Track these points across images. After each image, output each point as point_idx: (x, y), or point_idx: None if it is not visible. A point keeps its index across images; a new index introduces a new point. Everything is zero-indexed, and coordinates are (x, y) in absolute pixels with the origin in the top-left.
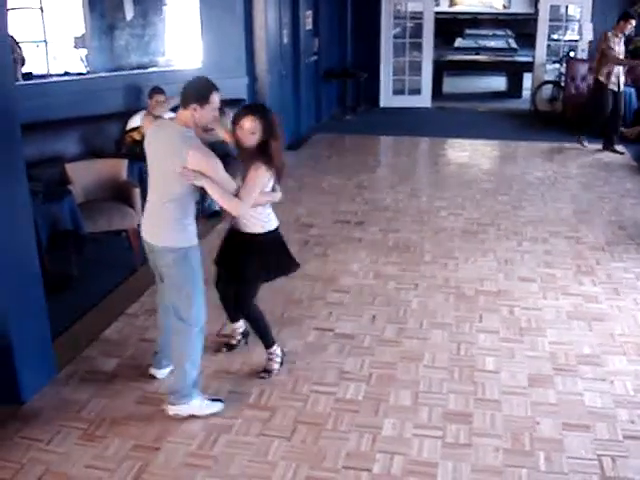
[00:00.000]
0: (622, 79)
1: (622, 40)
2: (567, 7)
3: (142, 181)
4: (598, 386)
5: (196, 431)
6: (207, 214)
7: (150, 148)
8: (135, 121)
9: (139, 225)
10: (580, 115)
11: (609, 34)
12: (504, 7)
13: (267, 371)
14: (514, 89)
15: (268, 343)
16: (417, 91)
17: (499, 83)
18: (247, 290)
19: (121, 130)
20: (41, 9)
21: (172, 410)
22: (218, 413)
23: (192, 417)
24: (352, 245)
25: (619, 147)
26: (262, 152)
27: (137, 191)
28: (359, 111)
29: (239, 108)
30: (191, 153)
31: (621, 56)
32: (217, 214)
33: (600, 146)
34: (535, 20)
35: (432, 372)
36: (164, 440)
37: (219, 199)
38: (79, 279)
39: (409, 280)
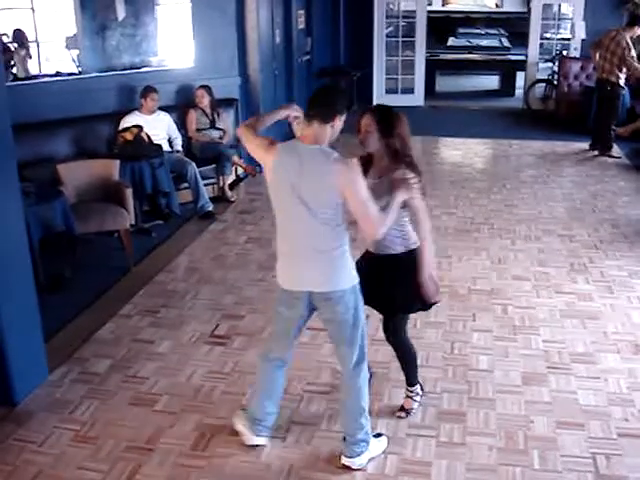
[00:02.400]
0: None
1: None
2: (560, 5)
3: (134, 181)
4: (592, 384)
5: (189, 431)
6: (201, 214)
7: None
8: (127, 121)
9: (132, 225)
10: (574, 114)
11: (627, 38)
12: (497, 6)
13: (405, 410)
14: (507, 88)
15: (413, 380)
16: (410, 90)
17: (492, 82)
18: (406, 316)
19: (113, 130)
20: (32, 9)
21: (354, 463)
22: (215, 414)
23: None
24: None
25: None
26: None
27: (129, 191)
28: (352, 110)
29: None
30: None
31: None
32: (210, 214)
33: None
34: (528, 19)
35: (426, 371)
36: (157, 441)
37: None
38: (71, 280)
39: None
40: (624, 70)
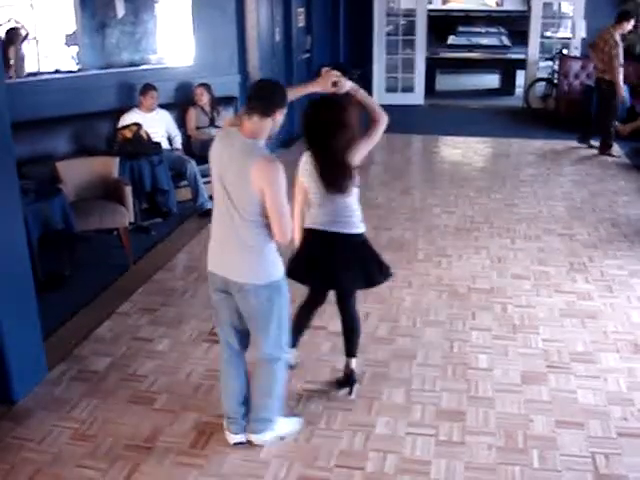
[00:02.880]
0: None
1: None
2: (560, 4)
3: (133, 179)
4: (591, 383)
5: (188, 430)
6: (200, 212)
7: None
8: (127, 119)
9: (131, 223)
10: (574, 113)
11: (616, 36)
12: (497, 4)
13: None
14: (507, 86)
15: (355, 353)
16: (410, 88)
17: (492, 80)
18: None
19: (113, 128)
20: (31, 6)
21: (256, 439)
22: (213, 412)
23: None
24: None
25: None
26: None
27: (128, 189)
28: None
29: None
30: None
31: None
32: (209, 212)
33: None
34: (528, 17)
35: (425, 370)
36: (156, 439)
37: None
38: (70, 278)
39: (402, 278)
40: (619, 65)
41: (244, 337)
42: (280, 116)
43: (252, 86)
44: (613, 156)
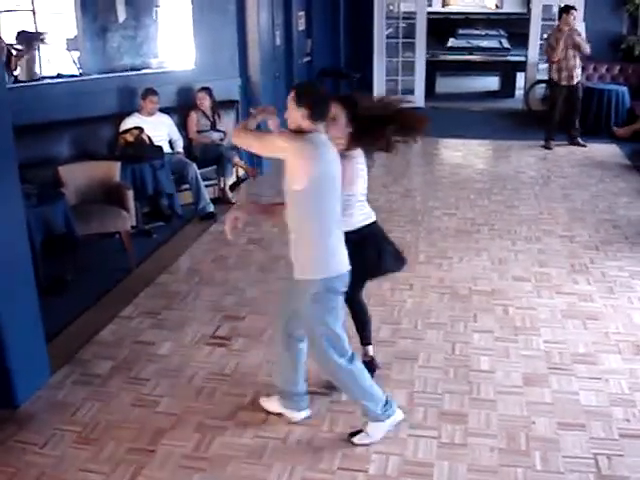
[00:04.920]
0: (575, 72)
1: (572, 34)
2: (559, 7)
3: (135, 183)
4: (593, 385)
5: (191, 433)
6: (202, 216)
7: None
8: (128, 123)
9: (133, 227)
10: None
11: (552, 31)
12: (496, 7)
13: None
14: (507, 89)
15: (368, 341)
16: (410, 91)
17: (492, 83)
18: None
19: (114, 132)
20: (33, 11)
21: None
22: (216, 415)
23: (179, 418)
24: None
25: (581, 140)
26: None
27: (130, 193)
28: None
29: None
30: None
31: (569, 49)
32: (211, 216)
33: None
34: (528, 19)
35: (427, 372)
36: (159, 442)
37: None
38: (73, 282)
39: (403, 280)
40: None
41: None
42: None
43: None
44: (580, 145)
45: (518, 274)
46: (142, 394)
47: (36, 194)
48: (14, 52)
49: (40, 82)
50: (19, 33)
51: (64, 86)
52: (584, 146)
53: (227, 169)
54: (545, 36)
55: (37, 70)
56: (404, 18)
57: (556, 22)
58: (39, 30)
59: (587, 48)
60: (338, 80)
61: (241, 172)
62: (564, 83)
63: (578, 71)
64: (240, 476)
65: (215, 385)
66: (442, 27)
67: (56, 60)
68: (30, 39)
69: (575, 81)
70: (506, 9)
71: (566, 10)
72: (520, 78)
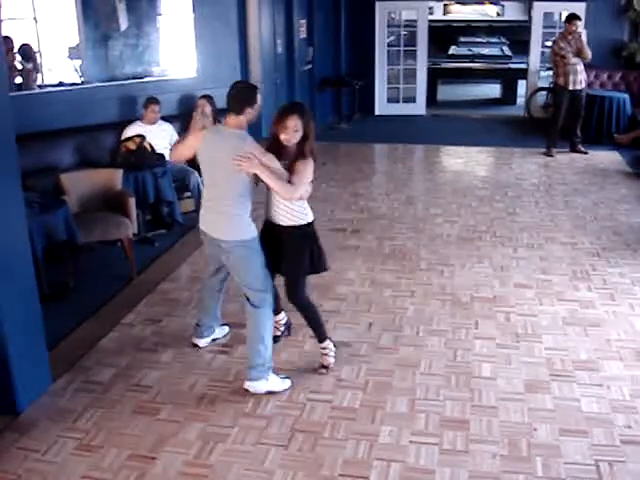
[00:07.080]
0: (580, 78)
1: (573, 40)
2: (561, 14)
3: (137, 191)
4: (595, 391)
5: (192, 440)
6: None
7: (209, 153)
8: (130, 131)
9: (135, 234)
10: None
11: (557, 38)
12: (498, 14)
13: (324, 367)
14: (508, 96)
15: (322, 337)
16: (412, 99)
17: (493, 90)
18: (298, 281)
19: (116, 140)
20: (35, 20)
21: (252, 387)
22: (218, 422)
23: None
24: (348, 253)
25: (583, 147)
26: (305, 147)
27: (132, 201)
28: (354, 119)
29: (279, 109)
30: (248, 149)
31: (574, 55)
32: None
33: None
34: (529, 27)
35: (429, 379)
36: (160, 449)
37: (275, 184)
38: (74, 289)
39: (405, 287)
40: (563, 66)
41: None
42: (252, 111)
43: (229, 88)
44: (582, 152)
45: (519, 281)
46: (144, 401)
47: (38, 202)
48: (19, 66)
49: (42, 90)
50: (21, 47)
51: (66, 94)
52: (585, 153)
53: None
54: (549, 44)
55: (39, 78)
56: (405, 26)
57: (557, 29)
58: (40, 39)
59: (589, 53)
60: (340, 88)
61: None
62: (570, 88)
63: (582, 76)
64: None
65: (217, 392)
66: (444, 35)
67: (58, 68)
68: (32, 51)
69: (579, 86)
70: (507, 17)
71: (568, 20)
72: (521, 85)
